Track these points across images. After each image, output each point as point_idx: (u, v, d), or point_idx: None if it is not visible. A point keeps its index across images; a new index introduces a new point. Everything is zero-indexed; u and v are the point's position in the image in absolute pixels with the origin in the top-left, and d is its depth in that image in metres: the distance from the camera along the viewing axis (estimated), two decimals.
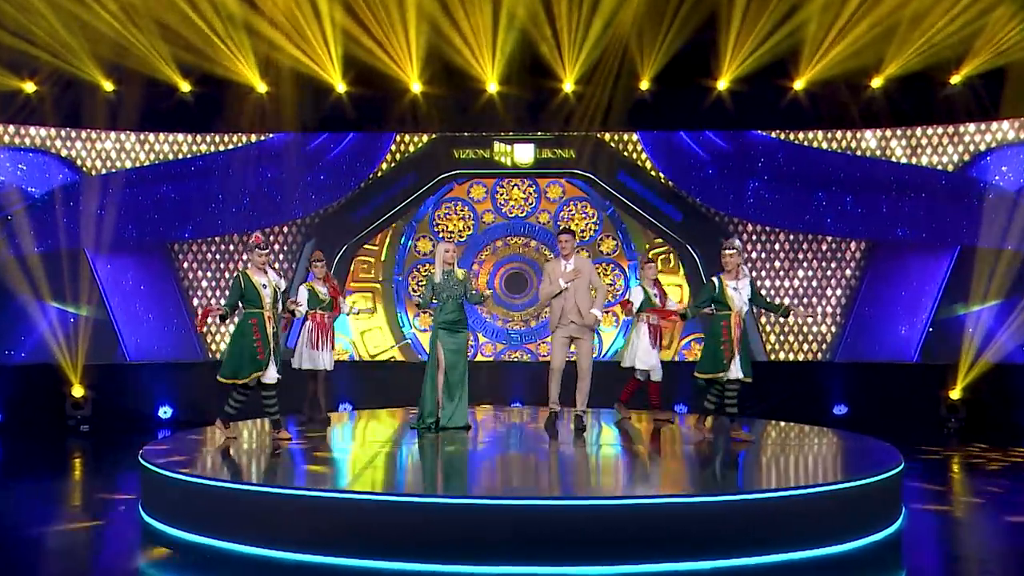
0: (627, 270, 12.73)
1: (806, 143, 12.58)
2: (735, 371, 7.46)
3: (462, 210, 12.97)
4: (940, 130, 12.20)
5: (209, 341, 12.73)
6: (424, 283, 9.08)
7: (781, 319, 11.90)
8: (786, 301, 12.34)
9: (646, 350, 9.00)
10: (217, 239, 12.74)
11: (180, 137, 12.66)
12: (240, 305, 7.56)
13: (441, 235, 12.89)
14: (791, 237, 12.60)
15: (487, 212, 13.00)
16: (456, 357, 8.28)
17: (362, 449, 7.79)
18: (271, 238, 12.69)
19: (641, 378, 9.14)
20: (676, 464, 7.08)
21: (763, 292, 11.99)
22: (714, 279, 7.71)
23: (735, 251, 7.56)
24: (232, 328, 7.96)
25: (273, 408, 7.58)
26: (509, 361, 12.80)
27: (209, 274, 12.73)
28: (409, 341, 12.50)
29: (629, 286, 12.57)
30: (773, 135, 12.60)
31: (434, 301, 8.34)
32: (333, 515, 5.55)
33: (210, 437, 8.25)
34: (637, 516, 5.47)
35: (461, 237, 12.92)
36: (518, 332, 12.85)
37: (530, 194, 12.91)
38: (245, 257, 7.71)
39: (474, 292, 8.31)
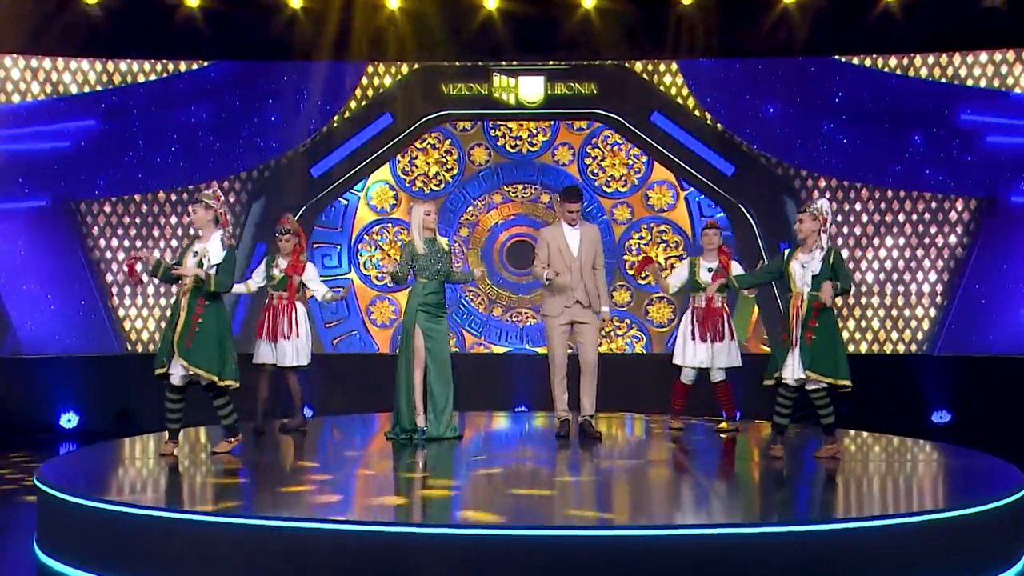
0: (695, 236, 12.56)
1: (899, 71, 12.44)
2: (792, 368, 7.44)
3: (427, 140, 12.86)
4: None
5: (128, 328, 12.68)
6: (400, 253, 8.76)
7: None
8: (868, 277, 12.46)
9: (690, 344, 9.10)
10: (137, 198, 12.64)
11: (85, 64, 12.48)
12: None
13: (409, 182, 12.75)
14: (876, 194, 12.54)
15: (476, 146, 12.89)
16: (439, 347, 8.37)
17: (324, 465, 7.74)
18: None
19: (687, 380, 9.24)
20: (720, 485, 7.05)
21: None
22: (786, 250, 7.80)
23: (807, 215, 7.53)
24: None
25: (223, 412, 7.75)
26: (513, 354, 12.77)
27: (127, 242, 12.66)
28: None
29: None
30: (855, 61, 12.49)
31: (411, 278, 8.44)
32: (284, 549, 5.48)
33: (128, 452, 8.11)
34: (668, 550, 5.37)
35: (441, 184, 12.74)
36: (518, 329, 12.71)
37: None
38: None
39: (461, 271, 8.47)
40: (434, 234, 8.38)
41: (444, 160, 12.91)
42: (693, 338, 9.08)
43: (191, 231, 12.26)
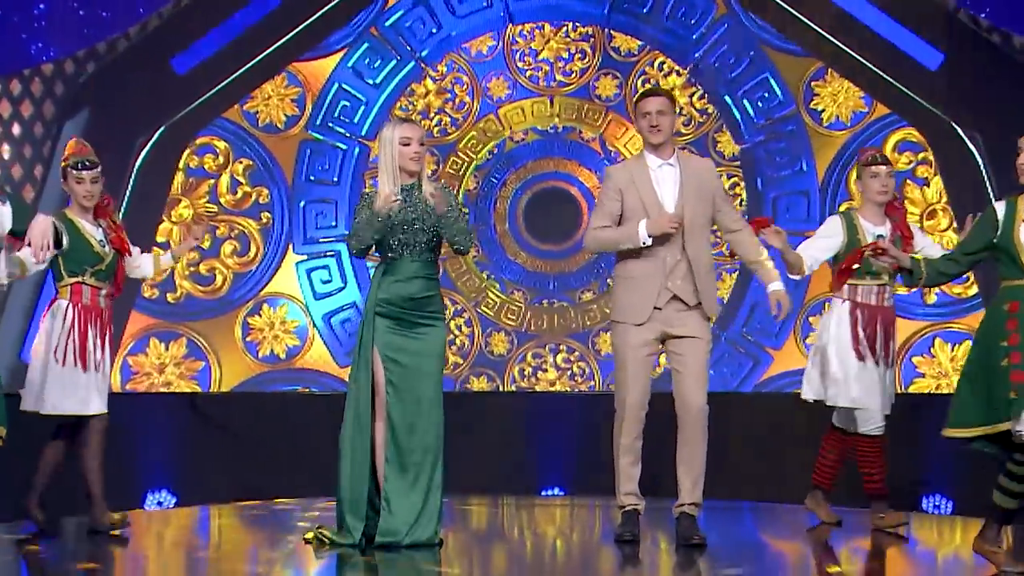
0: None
1: None
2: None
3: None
4: None
5: None
6: (356, 211, 8.10)
7: None
8: None
9: (848, 363, 8.16)
10: None
11: None
12: None
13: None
14: None
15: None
16: (415, 381, 7.66)
17: None
18: None
19: (847, 425, 8.38)
20: None
21: None
22: (998, 205, 7.02)
23: None
24: None
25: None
26: (534, 393, 11.51)
27: None
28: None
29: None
30: None
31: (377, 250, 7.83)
32: None
33: None
34: None
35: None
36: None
37: None
38: None
39: (459, 227, 7.75)
40: (416, 177, 7.62)
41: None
42: (861, 357, 8.07)
43: None
